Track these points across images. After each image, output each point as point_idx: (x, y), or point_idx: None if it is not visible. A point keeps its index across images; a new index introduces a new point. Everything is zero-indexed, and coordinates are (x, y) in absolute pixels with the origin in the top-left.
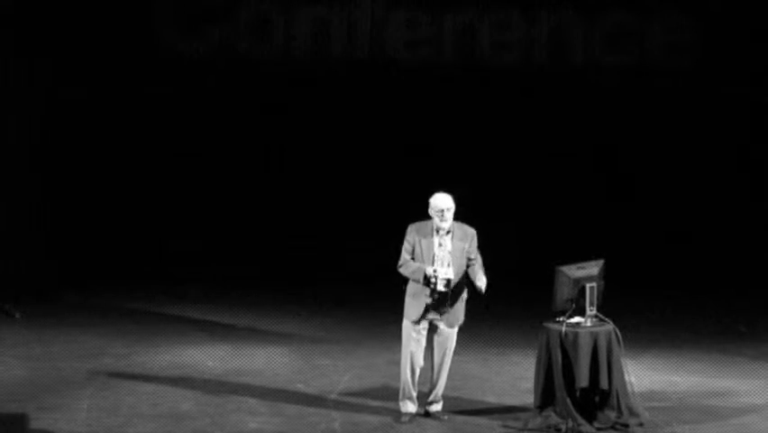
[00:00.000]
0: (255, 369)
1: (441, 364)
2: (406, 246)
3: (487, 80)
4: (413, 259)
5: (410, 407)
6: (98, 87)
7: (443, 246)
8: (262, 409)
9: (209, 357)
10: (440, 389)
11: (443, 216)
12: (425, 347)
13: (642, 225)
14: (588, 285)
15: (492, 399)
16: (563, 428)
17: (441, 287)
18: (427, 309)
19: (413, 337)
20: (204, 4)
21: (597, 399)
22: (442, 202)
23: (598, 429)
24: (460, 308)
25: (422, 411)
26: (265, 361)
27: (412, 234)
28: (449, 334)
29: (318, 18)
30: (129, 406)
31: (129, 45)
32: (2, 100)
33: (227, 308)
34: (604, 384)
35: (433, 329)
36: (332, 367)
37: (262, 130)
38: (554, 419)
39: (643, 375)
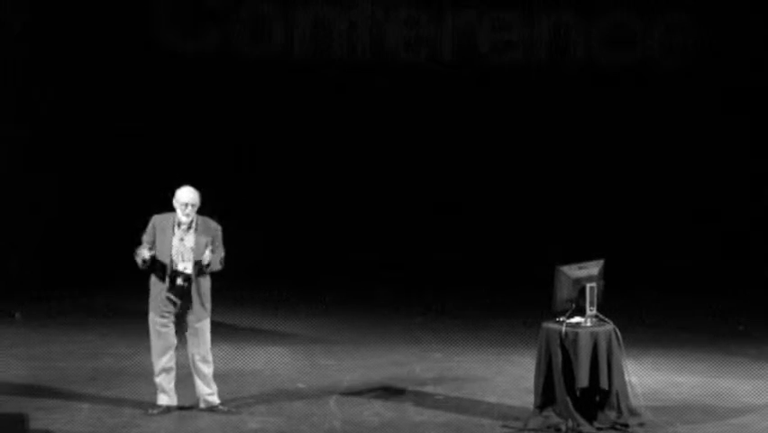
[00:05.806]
0: (256, 369)
1: (203, 356)
2: (144, 237)
3: (487, 80)
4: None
5: (164, 399)
6: (95, 86)
7: (184, 241)
8: (263, 409)
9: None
10: (208, 382)
11: (185, 210)
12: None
13: (643, 225)
14: (588, 285)
15: (492, 399)
16: (563, 428)
17: (180, 281)
18: (173, 303)
19: (157, 331)
20: (204, 4)
21: (597, 399)
22: (185, 196)
23: (599, 429)
24: (206, 301)
25: (203, 406)
26: (266, 361)
27: (151, 227)
28: (199, 327)
29: (318, 18)
30: (130, 406)
31: (128, 45)
32: (5, 100)
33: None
34: (604, 384)
35: (182, 324)
36: (333, 367)
37: (261, 129)
38: (554, 419)
39: (645, 375)
